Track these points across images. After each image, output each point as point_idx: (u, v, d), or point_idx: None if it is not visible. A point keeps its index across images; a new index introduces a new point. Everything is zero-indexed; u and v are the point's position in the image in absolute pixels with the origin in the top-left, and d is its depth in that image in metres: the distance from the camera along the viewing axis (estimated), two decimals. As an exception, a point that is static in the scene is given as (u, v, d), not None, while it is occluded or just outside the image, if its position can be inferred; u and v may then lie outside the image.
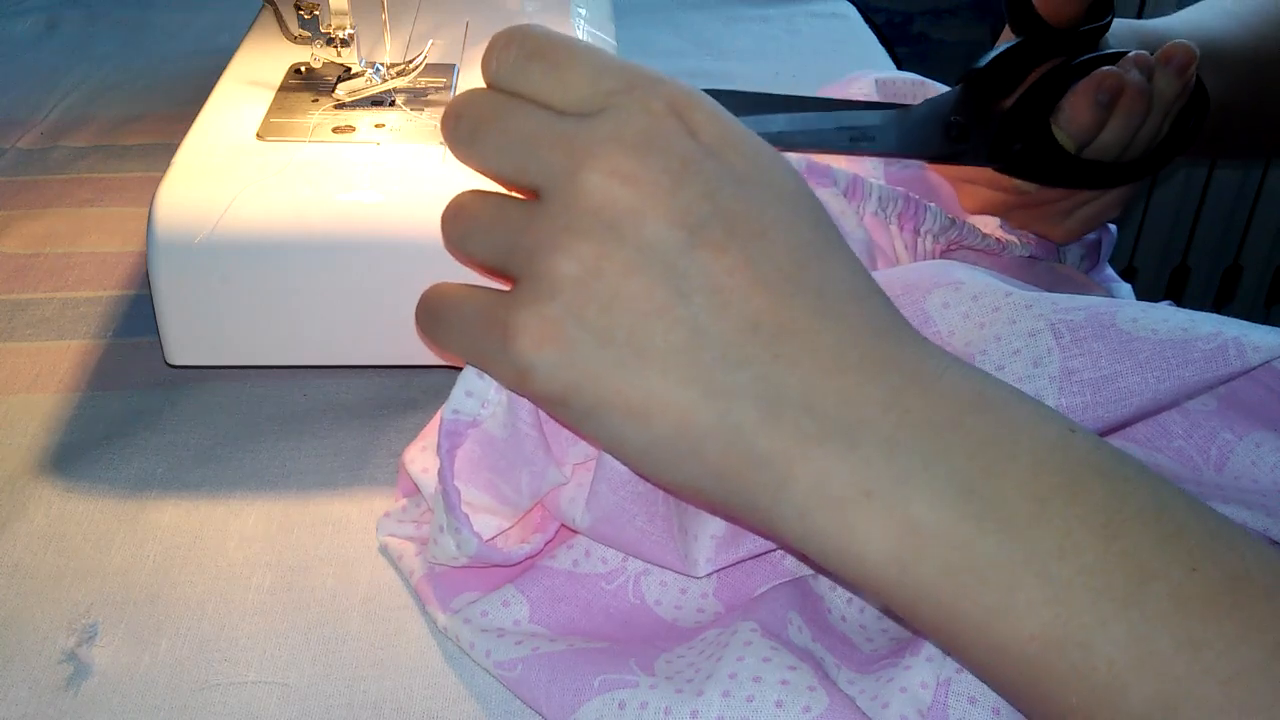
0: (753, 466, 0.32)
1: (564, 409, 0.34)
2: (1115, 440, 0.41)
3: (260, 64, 0.58)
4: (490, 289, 0.37)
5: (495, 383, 0.38)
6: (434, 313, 0.38)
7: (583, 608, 0.40)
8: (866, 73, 0.59)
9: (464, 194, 0.37)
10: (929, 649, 0.36)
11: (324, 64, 0.56)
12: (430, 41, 0.56)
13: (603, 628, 0.39)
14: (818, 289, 0.33)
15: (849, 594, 0.39)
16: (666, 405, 0.32)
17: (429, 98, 0.55)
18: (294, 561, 0.43)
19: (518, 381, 0.34)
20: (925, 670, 0.35)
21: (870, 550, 0.31)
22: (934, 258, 0.53)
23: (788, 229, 0.34)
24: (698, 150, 0.34)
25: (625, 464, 0.36)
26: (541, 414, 0.38)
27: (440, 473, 0.38)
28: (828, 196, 0.49)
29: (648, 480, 0.37)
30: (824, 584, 0.40)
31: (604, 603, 0.40)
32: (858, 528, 0.31)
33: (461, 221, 0.37)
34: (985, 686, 0.34)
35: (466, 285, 0.37)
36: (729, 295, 0.32)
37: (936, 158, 0.53)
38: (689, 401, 0.32)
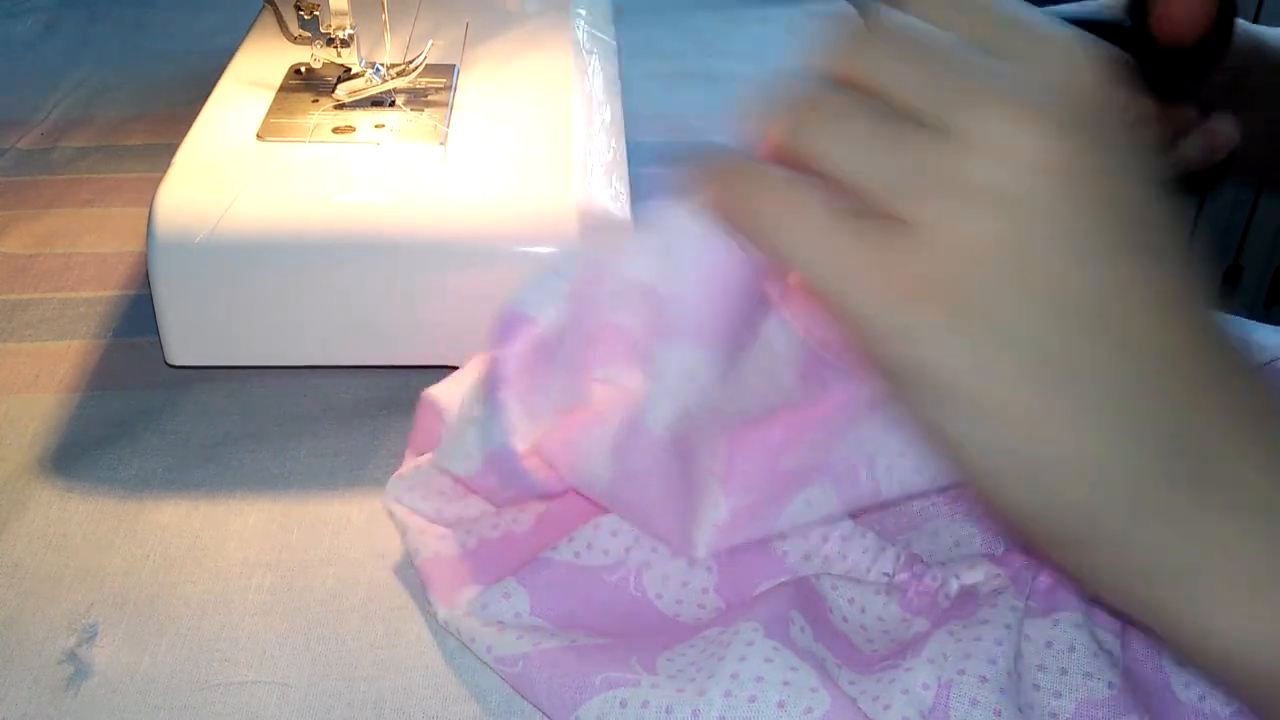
0: (1142, 518, 0.28)
1: (912, 384, 0.29)
2: None
3: (260, 64, 0.58)
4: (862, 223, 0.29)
5: (568, 288, 0.37)
6: (783, 220, 0.30)
7: (583, 600, 0.40)
8: None
9: (837, 99, 0.30)
10: (930, 650, 0.36)
11: (324, 64, 0.56)
12: (430, 42, 0.56)
13: (603, 621, 0.39)
14: (1232, 345, 0.29)
15: (850, 594, 0.39)
16: (1059, 426, 0.28)
17: (429, 98, 0.55)
18: (294, 561, 0.43)
19: (874, 331, 0.29)
20: (927, 671, 0.35)
21: None
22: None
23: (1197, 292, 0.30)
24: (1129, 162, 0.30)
25: (959, 466, 0.30)
26: (590, 335, 0.37)
27: (490, 359, 0.37)
28: None
29: (991, 500, 0.31)
30: (826, 584, 0.40)
31: (605, 595, 0.40)
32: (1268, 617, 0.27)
33: (835, 124, 0.30)
34: (987, 689, 0.34)
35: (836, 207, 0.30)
36: (1159, 331, 0.28)
37: None
38: (1084, 428, 0.28)
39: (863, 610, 0.39)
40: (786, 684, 0.34)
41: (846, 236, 0.29)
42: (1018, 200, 0.28)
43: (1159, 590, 0.28)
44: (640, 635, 0.39)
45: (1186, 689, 0.36)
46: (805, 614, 0.38)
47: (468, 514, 0.43)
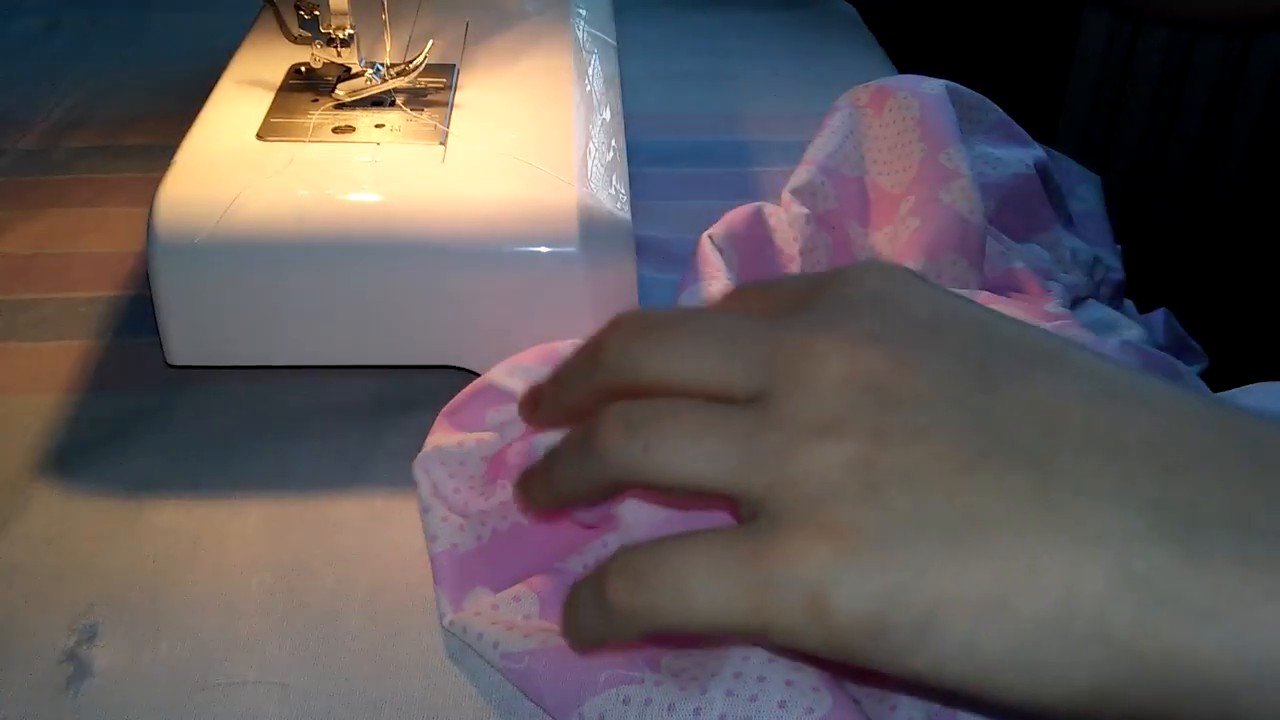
0: (1187, 623, 0.23)
1: (883, 635, 0.25)
2: None
3: (260, 64, 0.58)
4: (718, 530, 0.28)
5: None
6: (647, 578, 0.28)
7: None
8: (924, 79, 0.59)
9: (628, 405, 0.29)
10: None
11: (324, 64, 0.56)
12: (430, 41, 0.56)
13: None
14: (1156, 394, 0.26)
15: None
16: (1035, 577, 0.24)
17: (429, 98, 0.55)
18: (294, 561, 0.43)
19: (811, 614, 0.25)
20: None
21: None
22: None
23: (1079, 357, 0.28)
24: (941, 301, 0.29)
25: (981, 689, 0.25)
26: None
27: None
28: None
29: (1021, 710, 0.26)
30: None
31: None
32: None
33: (648, 432, 0.28)
34: None
35: (680, 534, 0.28)
36: (1064, 418, 0.26)
37: None
38: (1065, 561, 0.24)
39: None
40: (789, 683, 0.34)
41: (727, 556, 0.27)
42: (847, 419, 0.26)
43: (1236, 677, 0.23)
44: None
45: None
46: None
47: (486, 505, 0.42)
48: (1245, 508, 0.24)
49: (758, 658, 0.35)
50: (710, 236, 0.52)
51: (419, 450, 0.45)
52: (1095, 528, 0.24)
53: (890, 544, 0.25)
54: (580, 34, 0.63)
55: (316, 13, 0.55)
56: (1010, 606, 0.24)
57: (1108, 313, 0.55)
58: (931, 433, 0.26)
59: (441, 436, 0.44)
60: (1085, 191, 0.64)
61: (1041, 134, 0.63)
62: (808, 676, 0.34)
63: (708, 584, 0.27)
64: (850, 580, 0.25)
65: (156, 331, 0.49)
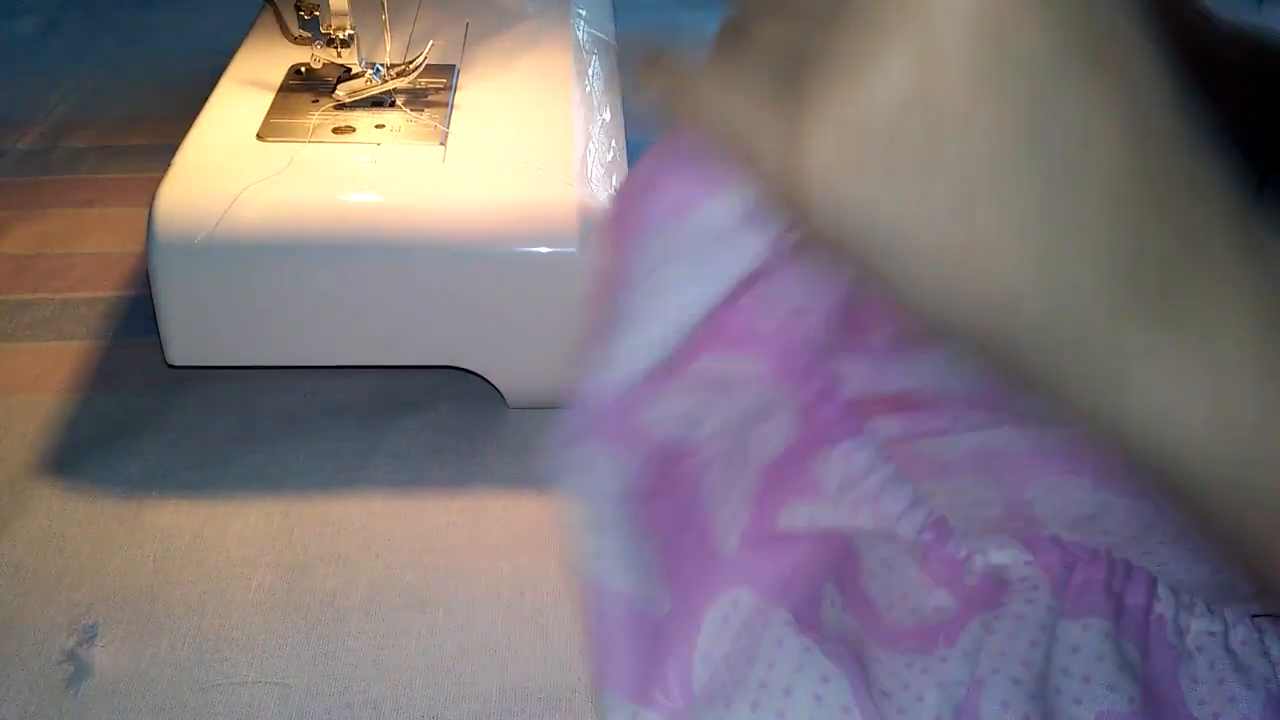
0: (1081, 335, 0.26)
1: (865, 232, 0.26)
2: None
3: (260, 64, 0.58)
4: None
5: None
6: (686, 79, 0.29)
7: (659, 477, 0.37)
8: None
9: None
10: (965, 643, 0.36)
11: (324, 64, 0.56)
12: (430, 42, 0.56)
13: (666, 515, 0.36)
14: (1191, 143, 0.27)
15: (884, 553, 0.39)
16: (986, 250, 0.26)
17: (429, 98, 0.55)
18: (294, 561, 0.43)
19: (794, 184, 0.26)
20: (962, 667, 0.35)
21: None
22: None
23: (1154, 72, 0.27)
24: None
25: (895, 294, 0.28)
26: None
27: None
28: None
29: (915, 312, 0.28)
30: (863, 541, 0.39)
31: (676, 477, 0.37)
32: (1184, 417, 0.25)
33: None
34: (1019, 693, 0.34)
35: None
36: (1102, 131, 0.26)
37: None
38: (1018, 252, 0.26)
39: (889, 567, 0.39)
40: (818, 699, 0.34)
41: (767, 100, 0.26)
42: (950, 59, 0.24)
43: (1086, 385, 0.26)
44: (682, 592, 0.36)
45: (1201, 706, 0.36)
46: (838, 581, 0.38)
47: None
48: (1187, 274, 0.25)
49: (784, 664, 0.35)
50: None
51: (416, 449, 0.45)
52: (1068, 241, 0.25)
53: (887, 169, 0.25)
54: (580, 34, 0.63)
55: (316, 13, 0.55)
56: (969, 264, 0.25)
57: None
58: (989, 92, 0.24)
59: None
60: None
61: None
62: (837, 690, 0.34)
63: (741, 106, 0.27)
64: (839, 180, 0.25)
65: (156, 331, 0.49)
